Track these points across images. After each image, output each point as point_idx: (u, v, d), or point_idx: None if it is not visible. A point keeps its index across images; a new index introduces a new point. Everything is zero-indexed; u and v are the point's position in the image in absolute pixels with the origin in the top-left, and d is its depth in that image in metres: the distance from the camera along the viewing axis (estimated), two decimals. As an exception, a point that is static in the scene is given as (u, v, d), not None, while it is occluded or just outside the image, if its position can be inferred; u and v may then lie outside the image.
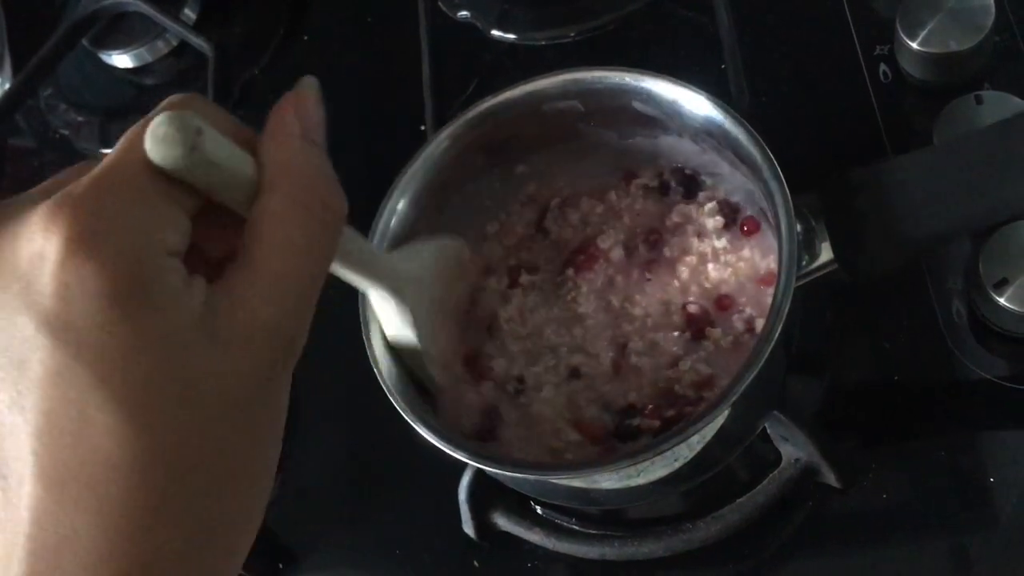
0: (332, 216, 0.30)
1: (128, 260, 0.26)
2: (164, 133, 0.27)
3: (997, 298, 0.48)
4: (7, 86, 0.74)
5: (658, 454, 0.39)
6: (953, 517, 0.48)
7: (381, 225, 0.45)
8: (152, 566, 0.27)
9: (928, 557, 0.48)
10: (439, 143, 0.46)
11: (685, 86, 0.43)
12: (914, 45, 0.54)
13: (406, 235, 0.45)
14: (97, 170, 0.28)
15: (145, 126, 0.28)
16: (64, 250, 0.26)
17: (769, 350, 0.37)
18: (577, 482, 0.42)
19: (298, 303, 0.29)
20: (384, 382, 0.42)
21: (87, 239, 0.26)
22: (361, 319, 0.44)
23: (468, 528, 0.51)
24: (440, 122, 0.58)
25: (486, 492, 0.50)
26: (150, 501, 0.27)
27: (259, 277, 0.28)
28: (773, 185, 0.40)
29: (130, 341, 0.26)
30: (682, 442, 0.39)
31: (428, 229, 0.47)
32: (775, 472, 0.48)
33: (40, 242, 0.26)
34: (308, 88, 0.32)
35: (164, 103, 0.30)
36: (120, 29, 0.72)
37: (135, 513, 0.26)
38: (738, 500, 0.49)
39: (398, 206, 0.45)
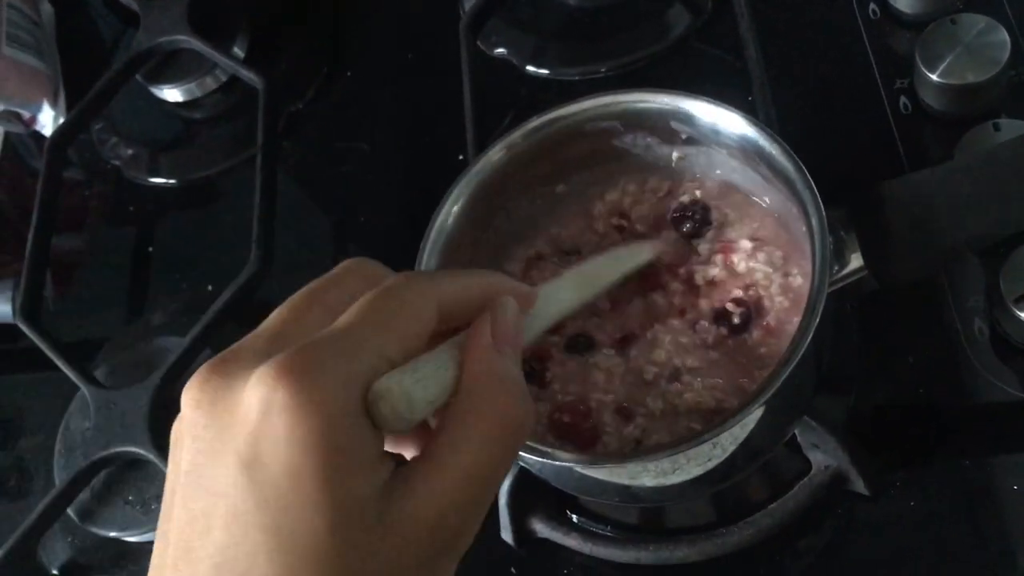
0: (516, 424, 0.32)
1: (334, 423, 0.29)
2: (381, 413, 0.30)
3: (1018, 313, 0.50)
4: (62, 119, 0.78)
5: (691, 448, 0.40)
6: (979, 526, 0.50)
7: (433, 233, 0.47)
8: None
9: (954, 565, 0.49)
10: (492, 155, 0.49)
11: (722, 105, 0.46)
12: (933, 77, 0.57)
13: (454, 245, 0.48)
14: (324, 334, 0.31)
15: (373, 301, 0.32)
16: (276, 399, 0.29)
17: (805, 346, 0.39)
18: (619, 478, 0.44)
19: (466, 505, 0.31)
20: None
21: (302, 391, 0.29)
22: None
23: (507, 535, 0.53)
24: (479, 151, 0.61)
25: (526, 497, 0.52)
26: None
27: (434, 474, 0.30)
28: (806, 195, 0.42)
29: (313, 497, 0.28)
30: (717, 436, 0.40)
31: (473, 244, 0.49)
32: (806, 479, 0.50)
33: (256, 390, 0.29)
34: (503, 308, 0.34)
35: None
36: (171, 64, 0.76)
37: None
38: (770, 506, 0.50)
39: (452, 210, 0.48)
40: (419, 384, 0.31)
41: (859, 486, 0.50)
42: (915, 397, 0.53)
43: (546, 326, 0.40)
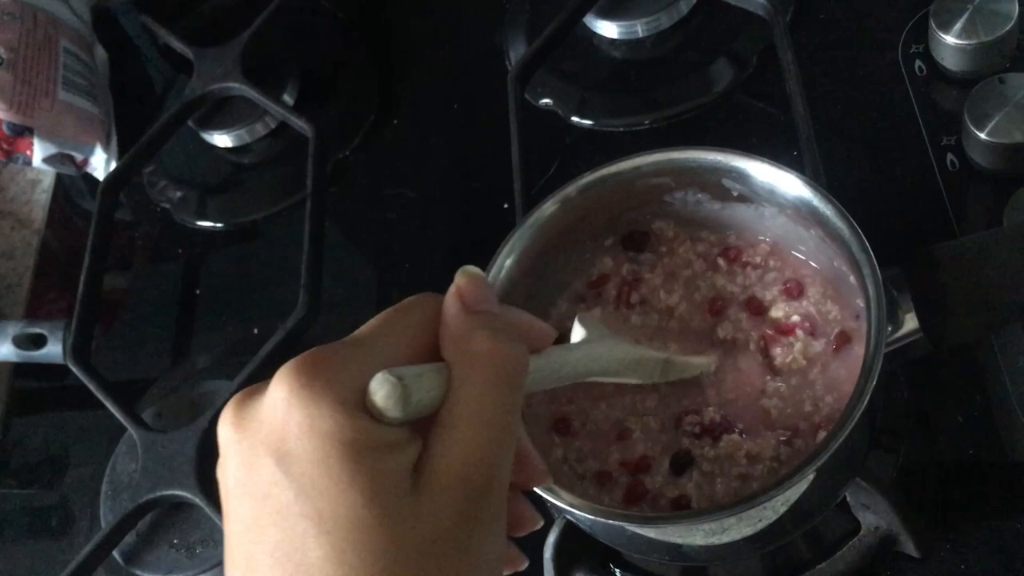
0: (503, 367, 0.33)
1: (349, 411, 0.31)
2: (380, 402, 0.31)
3: (1070, 374, 0.49)
4: (114, 163, 0.79)
5: (746, 510, 0.40)
6: (1031, 589, 0.49)
7: (490, 279, 0.48)
8: None
9: (1006, 629, 0.49)
10: (546, 209, 0.49)
11: (778, 166, 0.46)
12: (982, 136, 0.57)
13: (508, 298, 0.48)
14: (339, 342, 0.33)
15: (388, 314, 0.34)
16: (294, 395, 0.31)
17: (860, 412, 0.39)
18: (669, 536, 0.44)
19: (485, 447, 0.32)
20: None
21: (317, 386, 0.31)
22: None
23: (551, 589, 0.52)
24: (526, 199, 0.62)
25: (572, 551, 0.51)
26: None
27: (447, 431, 0.32)
28: (861, 258, 0.42)
29: (344, 477, 0.30)
30: (768, 501, 0.40)
31: (525, 294, 0.50)
32: (855, 540, 0.50)
33: (276, 391, 0.31)
34: (461, 276, 0.35)
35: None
36: (222, 110, 0.78)
37: None
38: (819, 566, 0.50)
39: (506, 263, 0.48)
40: (416, 379, 0.32)
41: (909, 548, 0.50)
42: (963, 456, 0.53)
43: (567, 377, 0.39)
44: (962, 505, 0.52)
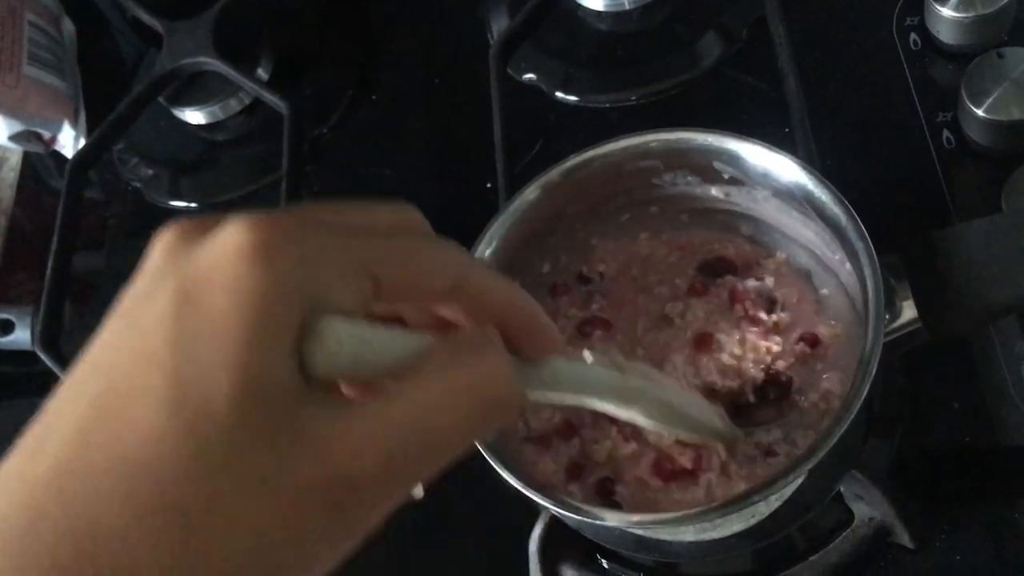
0: (496, 392, 0.28)
1: (283, 300, 0.26)
2: (309, 347, 0.26)
3: (1069, 361, 0.48)
4: (83, 141, 0.76)
5: (738, 510, 0.39)
6: (1027, 580, 0.48)
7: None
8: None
9: (1001, 620, 0.48)
10: (528, 194, 0.47)
11: (771, 148, 0.44)
12: (979, 113, 0.55)
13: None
14: (331, 217, 0.28)
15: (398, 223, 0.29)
16: (239, 253, 0.26)
17: (857, 408, 0.38)
18: (657, 533, 0.42)
19: (404, 452, 0.26)
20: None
21: (267, 257, 0.26)
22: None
23: (537, 582, 0.51)
24: (509, 179, 0.60)
25: (557, 544, 0.50)
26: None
27: (391, 406, 0.26)
28: (859, 246, 0.41)
29: (228, 358, 0.25)
30: (761, 500, 0.39)
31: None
32: (848, 531, 0.49)
33: (227, 240, 0.26)
34: (524, 301, 0.31)
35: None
36: (194, 86, 0.75)
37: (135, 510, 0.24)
38: (811, 558, 0.49)
39: (486, 252, 0.46)
40: (368, 347, 0.27)
41: (904, 539, 0.48)
42: (960, 444, 0.52)
43: (560, 395, 0.34)
44: (957, 493, 0.51)
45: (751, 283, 0.48)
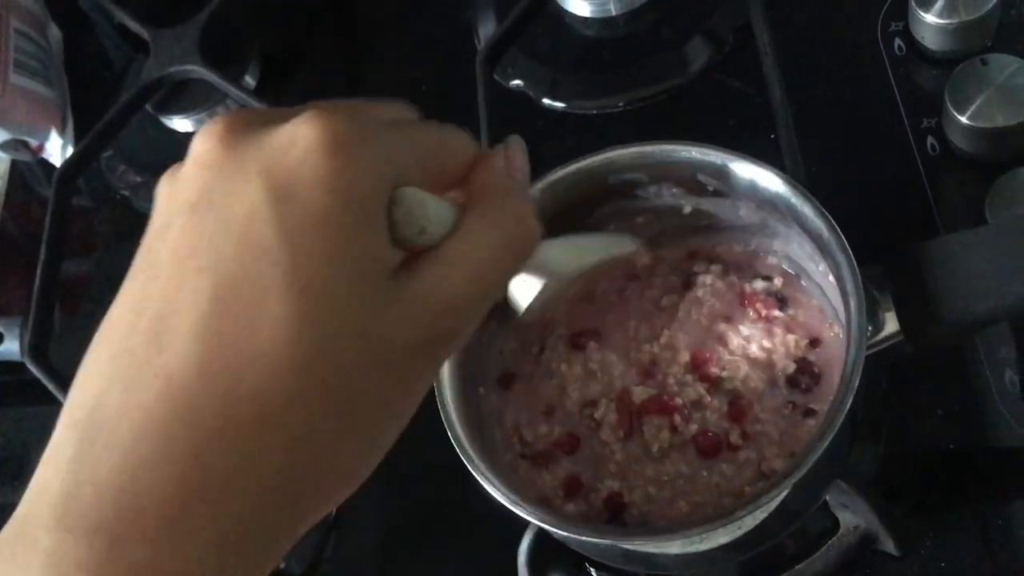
0: (524, 231, 0.32)
1: (372, 190, 0.29)
2: (397, 216, 0.30)
3: (1052, 368, 0.48)
4: (70, 148, 0.76)
5: (724, 525, 0.39)
6: (1012, 586, 0.48)
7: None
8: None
9: (986, 626, 0.48)
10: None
11: (754, 162, 0.44)
12: (963, 120, 0.56)
13: None
14: (389, 117, 0.32)
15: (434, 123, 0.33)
16: (328, 146, 0.28)
17: (840, 422, 0.38)
18: (643, 547, 0.42)
19: (466, 301, 0.31)
20: (461, 447, 0.43)
21: (359, 155, 0.28)
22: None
23: (526, 591, 0.51)
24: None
25: (546, 554, 0.50)
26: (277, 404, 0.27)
27: (442, 267, 0.30)
28: (841, 259, 0.41)
29: (340, 248, 0.28)
30: (745, 516, 0.39)
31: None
32: (833, 539, 0.49)
33: (306, 129, 0.28)
34: (514, 143, 0.35)
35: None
36: (181, 94, 0.74)
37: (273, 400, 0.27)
38: (797, 567, 0.49)
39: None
40: (438, 211, 0.31)
41: (889, 546, 0.49)
42: (944, 448, 0.52)
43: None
44: (942, 498, 0.51)
45: (759, 284, 0.50)
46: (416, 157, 0.31)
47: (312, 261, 0.27)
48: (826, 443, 0.38)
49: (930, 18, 0.59)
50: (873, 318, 0.42)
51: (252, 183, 0.28)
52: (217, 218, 0.28)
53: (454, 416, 0.44)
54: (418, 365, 0.30)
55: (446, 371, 0.44)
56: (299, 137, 0.28)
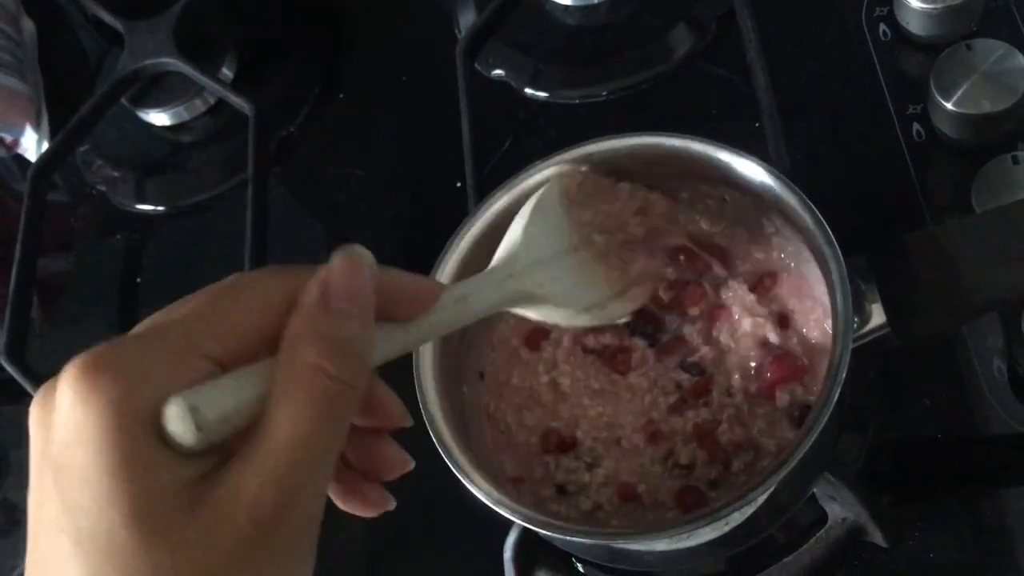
0: (333, 390, 0.29)
1: (127, 423, 0.28)
2: (171, 428, 0.28)
3: (1039, 356, 0.48)
4: (46, 144, 0.75)
5: (709, 523, 0.39)
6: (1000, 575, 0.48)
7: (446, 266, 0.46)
8: None
9: (975, 617, 0.48)
10: (494, 201, 0.47)
11: (740, 153, 0.44)
12: (948, 106, 0.55)
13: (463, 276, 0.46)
14: (149, 328, 0.30)
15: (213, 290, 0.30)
16: (77, 398, 0.28)
17: (827, 417, 0.38)
18: (629, 544, 0.42)
19: (284, 478, 0.28)
20: (441, 442, 0.42)
21: (99, 390, 0.27)
22: (414, 371, 0.44)
23: (512, 589, 0.51)
24: (479, 179, 0.59)
25: (532, 551, 0.50)
26: None
27: (250, 450, 0.29)
28: (827, 251, 0.40)
29: (105, 494, 0.27)
30: (734, 512, 0.39)
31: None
32: (822, 531, 0.48)
33: (62, 393, 0.28)
34: (339, 259, 0.31)
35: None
36: (158, 88, 0.74)
37: None
38: (784, 560, 0.49)
39: (453, 259, 0.46)
40: (221, 400, 0.29)
41: (877, 538, 0.48)
42: (932, 438, 0.52)
43: (459, 323, 0.37)
44: (930, 487, 0.51)
45: (745, 273, 0.49)
46: (184, 358, 0.29)
47: (86, 518, 0.28)
48: (813, 438, 0.37)
49: (915, 3, 0.59)
50: (859, 311, 0.42)
51: (47, 468, 0.29)
52: (35, 503, 0.29)
53: (437, 414, 0.43)
54: (258, 557, 0.28)
55: (428, 368, 0.44)
56: (61, 403, 0.28)
